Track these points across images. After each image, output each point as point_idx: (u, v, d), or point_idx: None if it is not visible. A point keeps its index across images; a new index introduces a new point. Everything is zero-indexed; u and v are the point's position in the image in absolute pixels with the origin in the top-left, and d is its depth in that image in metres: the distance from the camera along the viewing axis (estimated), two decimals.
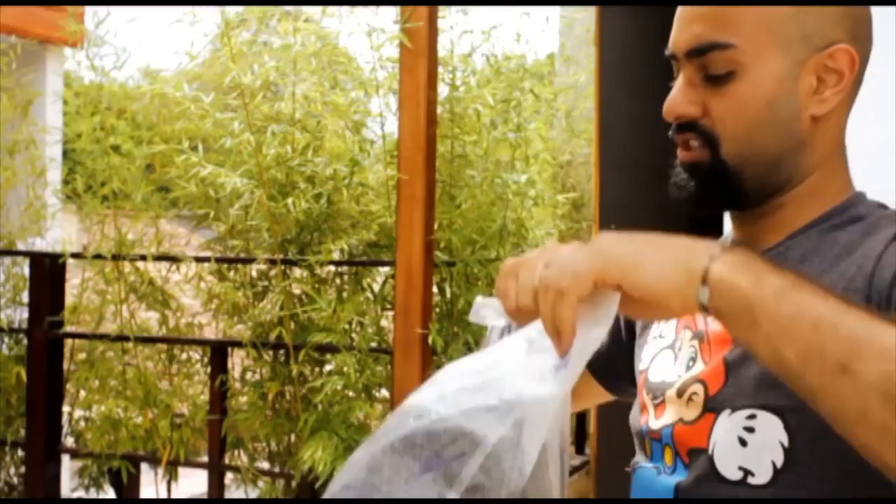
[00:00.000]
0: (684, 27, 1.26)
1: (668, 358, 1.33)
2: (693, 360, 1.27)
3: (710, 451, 1.18)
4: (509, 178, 4.18)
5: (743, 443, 1.16)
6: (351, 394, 4.04)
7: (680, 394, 1.25)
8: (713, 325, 1.26)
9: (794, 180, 1.26)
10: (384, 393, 4.14)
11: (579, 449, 5.36)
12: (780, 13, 1.21)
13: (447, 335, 4.02)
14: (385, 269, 4.21)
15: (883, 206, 1.28)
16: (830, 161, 1.27)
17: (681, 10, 1.28)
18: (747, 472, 1.15)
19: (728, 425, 1.17)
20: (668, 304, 1.03)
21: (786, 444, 1.13)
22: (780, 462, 1.13)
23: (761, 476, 1.15)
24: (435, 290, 4.09)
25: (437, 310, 4.12)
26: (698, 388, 1.23)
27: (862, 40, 1.25)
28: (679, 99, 1.25)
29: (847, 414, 0.91)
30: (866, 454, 0.92)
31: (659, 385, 1.30)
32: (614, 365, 1.50)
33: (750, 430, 1.15)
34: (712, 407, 1.20)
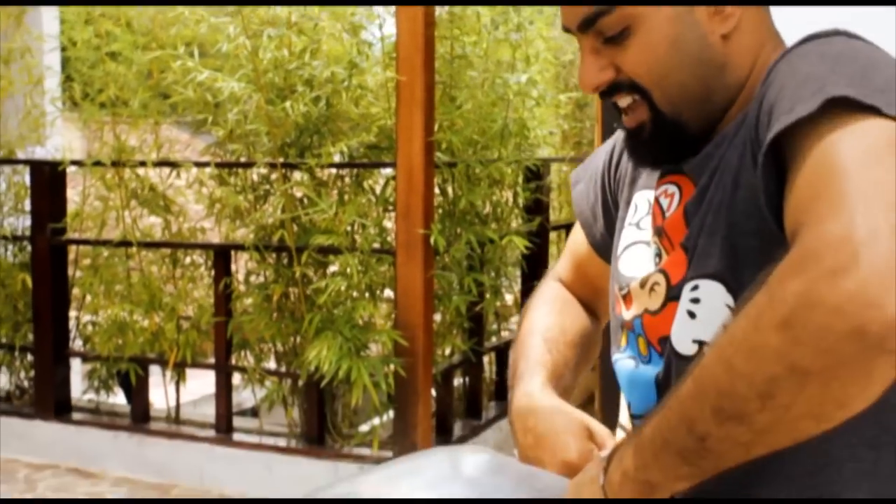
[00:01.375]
0: (570, 4, 1.25)
1: (641, 252, 1.34)
2: (658, 255, 1.28)
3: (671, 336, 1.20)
4: (510, 79, 4.18)
5: (692, 315, 1.17)
6: (354, 294, 4.08)
7: (643, 284, 1.27)
8: (670, 218, 1.27)
9: (730, 100, 1.25)
10: (388, 293, 4.19)
11: None
12: None
13: (449, 235, 4.06)
14: (387, 171, 4.23)
15: None
16: (756, 69, 1.25)
17: None
18: (701, 344, 1.16)
19: (679, 304, 1.19)
20: None
21: (731, 305, 1.14)
22: None
23: None
24: (437, 190, 4.12)
25: (440, 210, 4.17)
26: (659, 277, 1.24)
27: None
28: (589, 70, 1.24)
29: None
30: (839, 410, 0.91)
31: (627, 278, 1.32)
32: (606, 239, 1.50)
33: (696, 300, 1.17)
34: (675, 295, 1.21)
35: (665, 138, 1.25)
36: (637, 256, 1.34)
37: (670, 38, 1.20)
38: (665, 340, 1.22)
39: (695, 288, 1.17)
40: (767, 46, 1.26)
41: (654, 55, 1.21)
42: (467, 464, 1.26)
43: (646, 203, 1.37)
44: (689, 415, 0.96)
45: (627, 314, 1.30)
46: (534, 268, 4.74)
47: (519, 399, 1.38)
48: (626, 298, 1.31)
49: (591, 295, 1.59)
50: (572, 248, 1.62)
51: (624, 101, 1.25)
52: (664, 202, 1.29)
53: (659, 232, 1.28)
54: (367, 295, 4.11)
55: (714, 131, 1.25)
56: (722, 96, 1.24)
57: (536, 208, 4.75)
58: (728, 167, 1.18)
